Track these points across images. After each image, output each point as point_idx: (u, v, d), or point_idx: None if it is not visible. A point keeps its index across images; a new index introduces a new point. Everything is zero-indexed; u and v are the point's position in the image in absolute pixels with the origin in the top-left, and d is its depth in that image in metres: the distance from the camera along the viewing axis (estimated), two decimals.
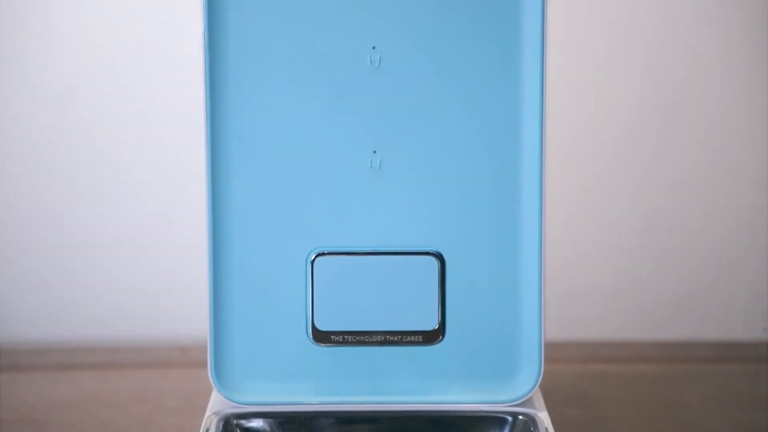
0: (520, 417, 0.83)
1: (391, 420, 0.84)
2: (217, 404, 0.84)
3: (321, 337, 0.84)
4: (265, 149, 0.83)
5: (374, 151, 0.84)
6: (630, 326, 1.17)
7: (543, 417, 0.82)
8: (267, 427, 0.83)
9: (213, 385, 0.84)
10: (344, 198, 0.83)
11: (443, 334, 0.85)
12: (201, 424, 0.81)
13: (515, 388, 0.85)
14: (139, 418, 1.01)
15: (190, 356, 1.15)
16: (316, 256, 0.83)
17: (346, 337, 0.84)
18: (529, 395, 0.84)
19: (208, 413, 0.83)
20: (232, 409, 0.84)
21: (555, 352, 0.96)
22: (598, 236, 1.14)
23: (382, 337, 0.84)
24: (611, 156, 1.12)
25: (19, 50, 1.13)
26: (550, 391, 0.91)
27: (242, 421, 0.83)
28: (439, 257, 0.84)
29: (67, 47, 1.14)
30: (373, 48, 0.83)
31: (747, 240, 1.15)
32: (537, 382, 0.84)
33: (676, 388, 1.06)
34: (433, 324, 0.84)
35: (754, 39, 1.11)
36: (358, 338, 0.84)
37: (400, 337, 0.84)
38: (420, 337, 0.84)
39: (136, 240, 1.20)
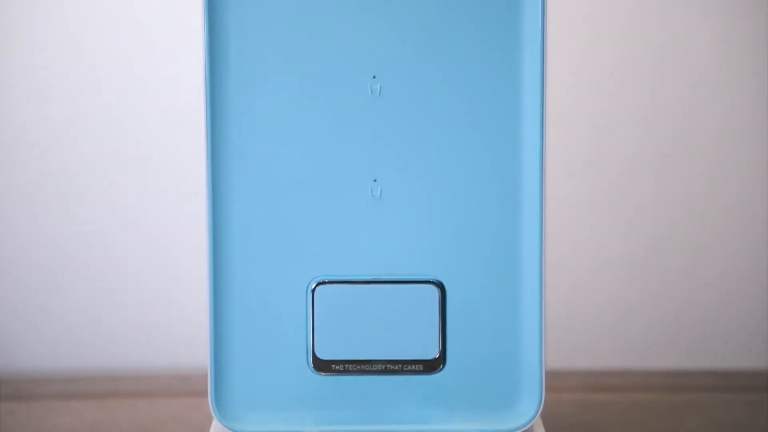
0: None
1: None
2: None
3: (321, 366, 0.84)
4: (265, 177, 0.83)
5: (375, 180, 0.84)
6: (631, 355, 1.16)
7: None
8: None
9: (213, 414, 0.84)
10: (345, 226, 0.83)
11: (444, 363, 0.84)
12: None
13: (516, 417, 0.84)
14: None
15: (190, 385, 1.15)
16: (316, 285, 0.83)
17: (346, 366, 0.84)
18: (530, 424, 0.84)
19: None
20: None
21: (556, 381, 0.96)
22: (598, 265, 1.14)
23: (383, 366, 0.84)
24: (611, 186, 1.12)
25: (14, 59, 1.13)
26: (551, 420, 0.90)
27: None
28: (440, 286, 0.84)
29: (59, 68, 1.14)
30: (374, 77, 0.83)
31: (748, 269, 1.15)
32: (538, 411, 0.84)
33: (677, 417, 1.06)
34: (433, 353, 0.84)
35: (756, 72, 1.11)
36: (358, 367, 0.84)
37: (400, 366, 0.84)
38: (421, 366, 0.84)
39: (136, 268, 1.20)
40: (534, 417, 0.84)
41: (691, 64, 1.09)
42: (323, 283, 0.84)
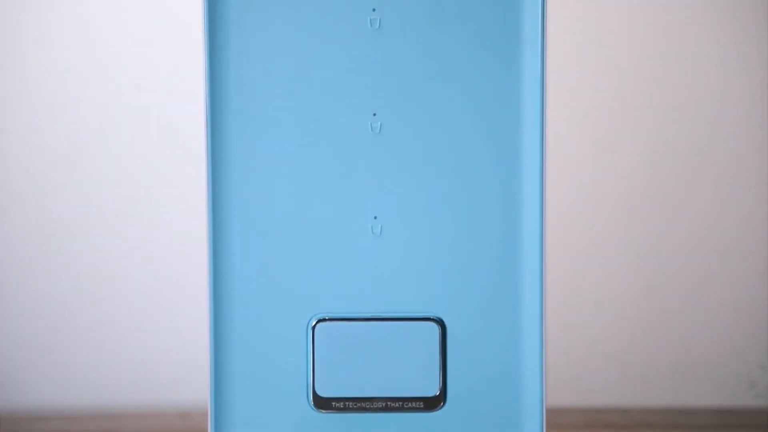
0: None
1: None
2: None
3: (322, 403, 0.84)
4: (266, 214, 0.83)
5: (375, 217, 0.84)
6: (632, 392, 1.16)
7: None
8: None
9: None
10: (345, 263, 0.84)
11: (444, 401, 0.84)
12: None
13: None
14: None
15: (191, 423, 1.15)
16: (316, 322, 0.83)
17: (346, 403, 0.84)
18: None
19: None
20: None
21: (557, 418, 0.96)
22: (599, 303, 1.14)
23: (383, 404, 0.84)
24: (612, 224, 1.13)
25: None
26: None
27: None
28: (440, 323, 0.84)
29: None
30: (374, 115, 0.83)
31: (749, 307, 1.15)
32: None
33: None
34: (434, 390, 0.84)
35: (759, 107, 1.12)
36: (359, 405, 0.84)
37: (401, 403, 0.84)
38: (421, 403, 0.84)
39: (136, 305, 1.20)
40: None
41: (695, 111, 1.10)
42: (323, 320, 0.84)
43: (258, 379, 0.84)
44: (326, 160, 0.83)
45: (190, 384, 1.14)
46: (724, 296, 1.15)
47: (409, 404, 0.84)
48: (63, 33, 1.14)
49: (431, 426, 0.84)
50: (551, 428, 0.83)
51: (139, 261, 1.19)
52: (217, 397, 0.84)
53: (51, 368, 1.20)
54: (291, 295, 0.84)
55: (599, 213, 1.13)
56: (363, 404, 0.84)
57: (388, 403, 0.84)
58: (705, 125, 1.10)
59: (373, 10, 0.83)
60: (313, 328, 0.84)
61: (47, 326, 1.19)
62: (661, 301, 1.15)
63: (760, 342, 1.15)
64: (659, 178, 1.13)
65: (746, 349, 1.14)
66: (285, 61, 0.83)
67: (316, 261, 0.83)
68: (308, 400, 0.84)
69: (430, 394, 0.84)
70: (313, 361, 0.84)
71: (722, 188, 1.11)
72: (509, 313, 0.84)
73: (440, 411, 0.84)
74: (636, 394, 1.16)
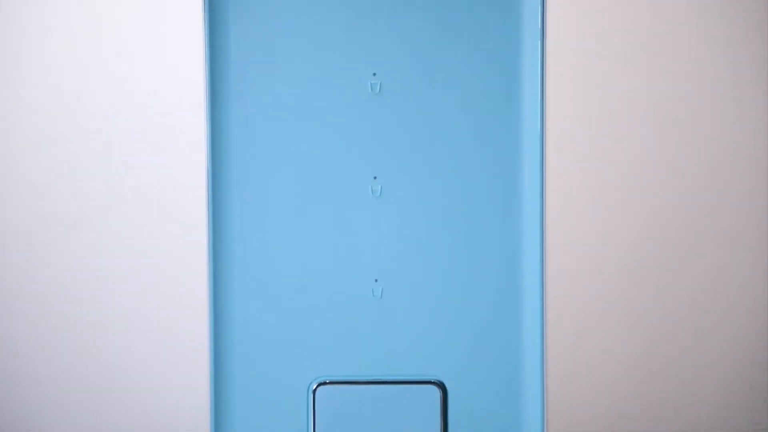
0: None
1: None
2: None
3: None
4: (268, 278, 0.83)
5: (376, 280, 0.84)
6: None
7: None
8: None
9: None
10: (346, 327, 0.84)
11: None
12: None
13: None
14: None
15: None
16: (317, 386, 0.83)
17: None
18: None
19: None
20: None
21: None
22: (598, 366, 1.14)
23: None
24: (611, 289, 1.13)
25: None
26: None
27: None
28: (441, 386, 0.84)
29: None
30: (375, 178, 0.84)
31: (751, 361, 1.15)
32: None
33: None
34: None
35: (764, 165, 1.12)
36: None
37: None
38: None
39: (136, 367, 1.19)
40: None
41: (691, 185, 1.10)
42: (324, 383, 0.83)
43: None
44: (328, 221, 0.84)
45: None
46: (724, 370, 1.15)
47: None
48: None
49: None
50: None
51: (139, 335, 1.19)
52: None
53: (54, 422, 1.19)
54: (292, 358, 0.84)
55: (601, 273, 1.13)
56: None
57: None
58: (706, 195, 1.10)
59: (374, 74, 0.84)
60: (314, 391, 0.83)
61: (48, 377, 1.19)
62: (661, 371, 1.15)
63: (762, 393, 1.14)
64: (655, 244, 1.13)
65: (748, 418, 1.14)
66: (287, 125, 0.84)
67: (317, 324, 0.83)
68: None
69: None
70: (314, 424, 0.83)
71: (724, 245, 1.12)
72: (510, 376, 0.84)
73: None
74: None
